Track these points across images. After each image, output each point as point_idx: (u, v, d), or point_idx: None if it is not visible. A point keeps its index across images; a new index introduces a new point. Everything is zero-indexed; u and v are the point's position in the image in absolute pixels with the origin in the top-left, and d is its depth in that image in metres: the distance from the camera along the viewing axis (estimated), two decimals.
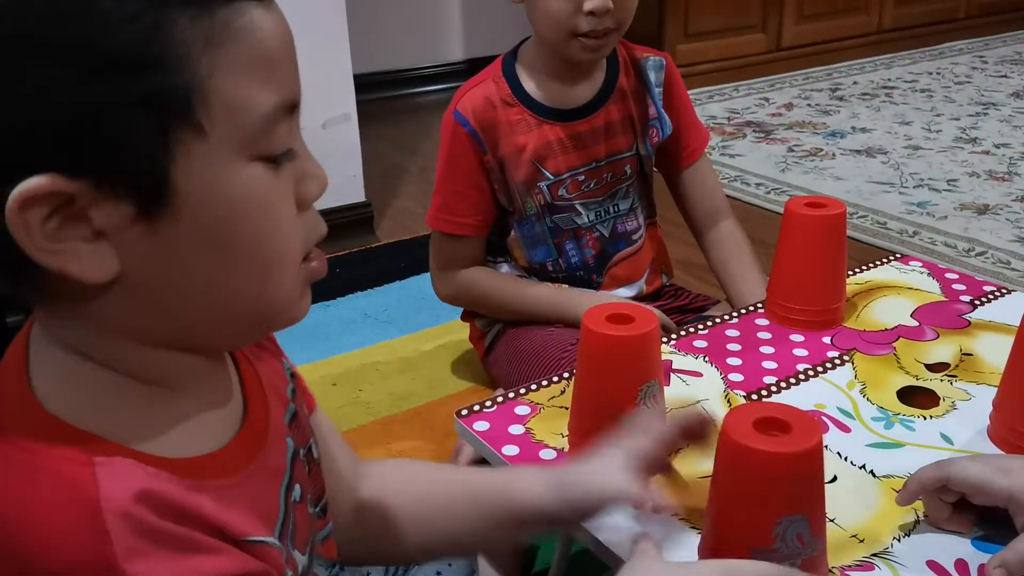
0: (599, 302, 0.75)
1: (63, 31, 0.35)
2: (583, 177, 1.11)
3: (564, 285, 1.16)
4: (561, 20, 1.01)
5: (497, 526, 0.61)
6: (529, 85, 1.10)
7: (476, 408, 0.80)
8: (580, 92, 1.11)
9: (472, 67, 3.61)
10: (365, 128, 1.97)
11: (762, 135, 2.64)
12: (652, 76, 1.15)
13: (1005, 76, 3.22)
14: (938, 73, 3.31)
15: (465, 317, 1.27)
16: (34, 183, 0.35)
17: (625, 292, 1.18)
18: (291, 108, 0.41)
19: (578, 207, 1.12)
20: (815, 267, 0.91)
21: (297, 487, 0.49)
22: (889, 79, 3.25)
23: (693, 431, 0.63)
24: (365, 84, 3.19)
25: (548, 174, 1.09)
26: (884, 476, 0.70)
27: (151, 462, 0.40)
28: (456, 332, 1.41)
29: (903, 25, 3.67)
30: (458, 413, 0.80)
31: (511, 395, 0.84)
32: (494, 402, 0.81)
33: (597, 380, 0.70)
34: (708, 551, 0.61)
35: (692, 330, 0.95)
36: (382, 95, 3.24)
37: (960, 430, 0.76)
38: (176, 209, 0.38)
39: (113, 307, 0.40)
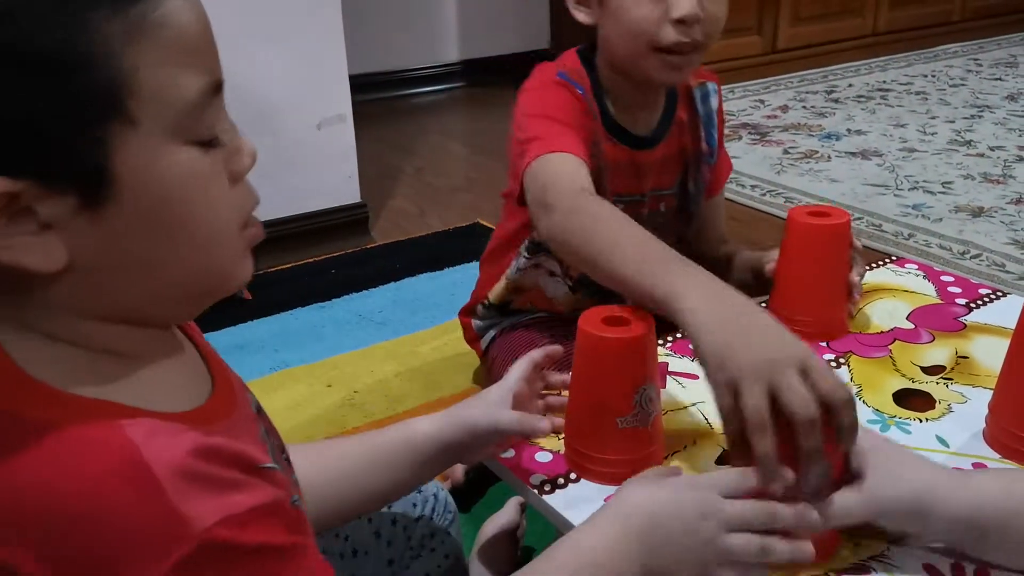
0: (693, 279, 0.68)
1: None
2: (622, 207, 0.91)
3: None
4: (644, 30, 0.91)
5: (409, 469, 0.70)
6: (604, 93, 1.01)
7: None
8: (641, 123, 1.03)
9: (468, 68, 3.62)
10: (361, 129, 1.97)
11: (758, 137, 2.65)
12: (707, 105, 1.08)
13: (1000, 79, 3.23)
14: (933, 76, 3.32)
15: (462, 316, 1.26)
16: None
17: None
18: (216, 89, 0.43)
19: None
20: (819, 277, 0.89)
21: (264, 427, 0.53)
22: (884, 81, 3.26)
23: (543, 364, 0.75)
24: (361, 84, 3.18)
25: (607, 188, 1.01)
26: None
27: (160, 416, 0.42)
28: (452, 333, 1.41)
29: (898, 28, 3.67)
30: None
31: None
32: None
33: (592, 383, 0.70)
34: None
35: None
36: (378, 96, 3.24)
37: (956, 433, 0.76)
38: (117, 197, 0.40)
39: (67, 290, 0.42)
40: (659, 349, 0.91)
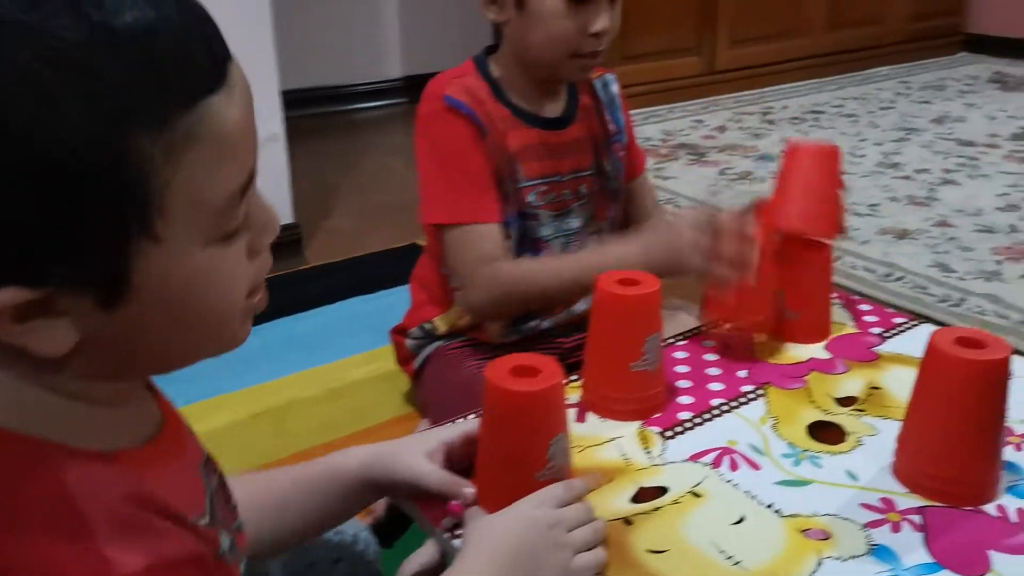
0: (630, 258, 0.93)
1: (26, 150, 0.36)
2: (546, 187, 1.10)
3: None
4: (566, 41, 1.03)
5: (337, 503, 0.71)
6: (507, 90, 1.10)
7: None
8: (550, 108, 1.12)
9: (411, 84, 3.61)
10: (300, 145, 1.95)
11: (695, 157, 2.69)
12: (608, 91, 1.18)
13: (927, 102, 3.34)
14: (864, 98, 3.41)
15: (395, 335, 1.25)
16: (17, 297, 0.37)
17: (582, 306, 1.17)
18: (250, 181, 0.43)
19: (542, 216, 1.11)
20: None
21: (215, 476, 0.53)
22: (817, 103, 3.34)
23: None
24: (301, 100, 3.16)
25: (522, 176, 1.08)
26: (789, 515, 0.71)
27: (98, 456, 0.42)
28: (387, 357, 1.39)
29: (832, 51, 3.77)
30: None
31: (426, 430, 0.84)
32: None
33: (505, 438, 0.68)
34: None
35: None
36: (319, 111, 3.21)
37: (865, 466, 0.77)
38: (134, 299, 0.40)
39: (66, 359, 0.41)
40: (580, 382, 0.92)
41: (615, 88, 1.18)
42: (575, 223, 1.13)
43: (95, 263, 0.39)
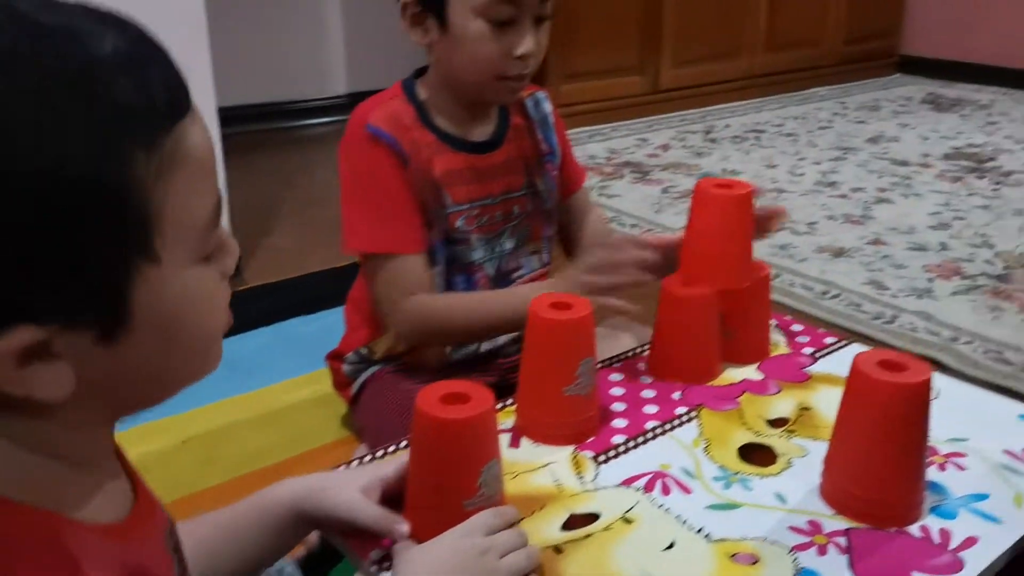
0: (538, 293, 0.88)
1: (29, 175, 0.36)
2: (477, 211, 1.10)
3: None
4: (490, 64, 1.01)
5: (269, 539, 0.70)
6: (434, 115, 1.08)
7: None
8: (477, 132, 1.11)
9: (355, 101, 3.57)
10: (241, 162, 1.92)
11: (639, 175, 2.72)
12: (540, 110, 1.17)
13: (863, 122, 3.43)
14: (803, 118, 3.49)
15: (331, 360, 1.24)
16: (26, 337, 0.37)
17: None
18: (219, 202, 0.45)
19: (473, 240, 1.10)
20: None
21: (176, 541, 0.54)
22: (759, 123, 3.40)
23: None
24: (243, 116, 3.12)
25: (449, 202, 1.07)
26: (719, 540, 0.71)
27: (94, 529, 0.43)
28: (325, 379, 1.37)
29: (772, 71, 3.85)
30: None
31: (367, 458, 0.83)
32: (348, 466, 0.79)
33: (433, 466, 0.68)
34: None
35: None
36: (264, 127, 3.18)
37: (794, 488, 0.78)
38: (132, 327, 0.41)
39: (57, 408, 0.41)
40: (516, 406, 0.91)
41: (547, 107, 1.18)
42: (508, 244, 1.13)
43: (99, 290, 0.39)
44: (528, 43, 1.01)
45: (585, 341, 0.83)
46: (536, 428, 0.85)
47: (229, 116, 1.82)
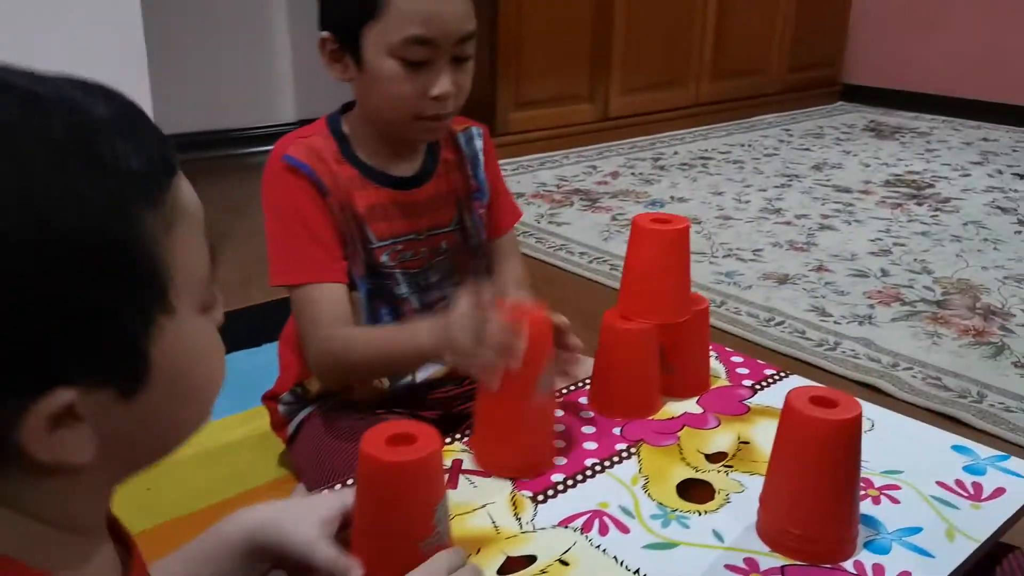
0: (434, 330, 0.87)
1: (61, 251, 0.37)
2: (401, 247, 1.08)
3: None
4: (405, 104, 1.00)
5: (226, 574, 0.68)
6: (358, 150, 1.07)
7: None
8: (405, 167, 1.09)
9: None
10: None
11: (588, 203, 2.73)
12: (472, 146, 1.16)
13: (808, 149, 3.50)
14: (750, 145, 3.56)
15: (267, 401, 1.21)
16: (64, 399, 0.38)
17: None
18: (212, 253, 0.47)
19: (398, 276, 1.09)
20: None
21: None
22: (706, 150, 3.46)
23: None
24: (188, 143, 3.08)
25: (373, 237, 1.06)
26: None
27: None
28: (264, 417, 1.34)
29: (719, 99, 3.92)
30: None
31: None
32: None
33: (387, 509, 0.66)
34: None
35: None
36: (207, 155, 3.13)
37: (731, 525, 0.78)
38: (150, 379, 0.42)
39: (73, 470, 0.41)
40: (455, 444, 0.90)
41: (479, 143, 1.16)
42: (433, 278, 1.12)
43: (125, 346, 0.40)
44: (444, 84, 0.98)
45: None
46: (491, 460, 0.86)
47: (176, 144, 1.79)
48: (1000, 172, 3.16)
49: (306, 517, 0.68)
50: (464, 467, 0.86)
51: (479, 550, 0.74)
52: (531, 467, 0.85)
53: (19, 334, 0.37)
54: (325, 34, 1.02)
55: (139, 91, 1.70)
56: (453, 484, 0.83)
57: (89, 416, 0.40)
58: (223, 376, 0.49)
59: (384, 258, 1.07)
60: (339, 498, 0.71)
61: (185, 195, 0.44)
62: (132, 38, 1.70)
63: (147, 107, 1.73)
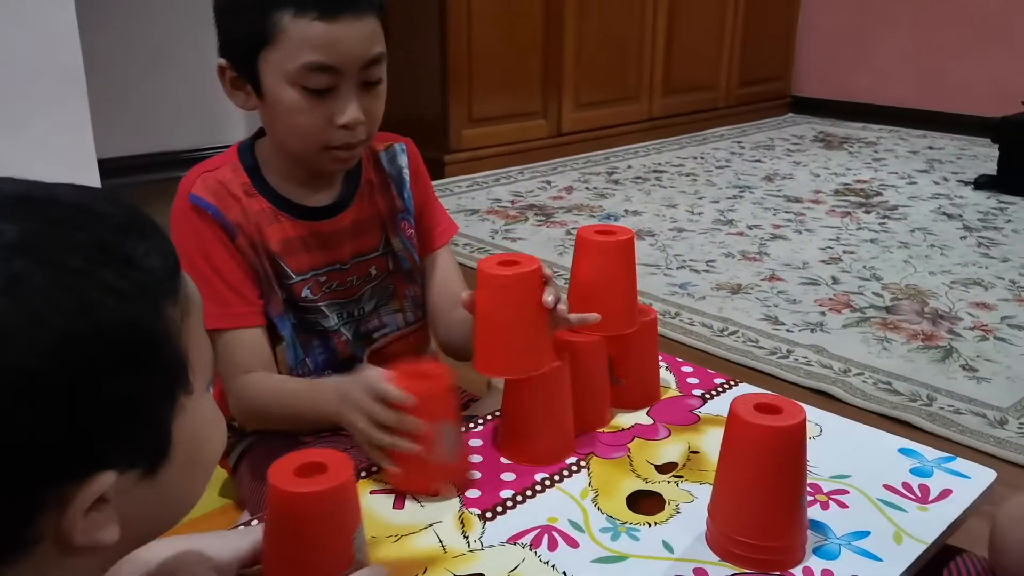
0: (337, 381, 0.87)
1: (108, 346, 0.41)
2: (325, 278, 1.03)
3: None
4: (310, 134, 0.94)
5: None
6: (271, 178, 1.01)
7: None
8: (323, 196, 1.04)
9: None
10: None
11: (543, 218, 2.74)
12: (395, 164, 1.10)
13: (759, 160, 3.55)
14: (702, 158, 3.60)
15: None
16: (107, 482, 0.41)
17: None
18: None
19: (323, 309, 1.04)
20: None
21: None
22: (659, 163, 3.49)
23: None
24: (131, 167, 3.03)
25: (290, 272, 1.01)
26: None
27: None
28: None
29: (671, 113, 3.97)
30: None
31: (247, 524, 0.78)
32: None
33: (304, 541, 0.63)
34: None
35: None
36: (153, 177, 3.09)
37: (681, 536, 0.77)
38: (171, 456, 0.45)
39: (100, 555, 0.44)
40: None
41: (403, 160, 1.10)
42: (368, 306, 1.08)
43: (157, 428, 0.44)
44: (351, 112, 0.93)
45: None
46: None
47: (114, 167, 1.76)
48: (945, 179, 3.23)
49: (222, 551, 0.65)
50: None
51: (425, 570, 0.72)
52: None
53: (68, 423, 0.40)
54: (223, 61, 0.97)
55: (77, 113, 1.67)
56: (399, 504, 0.81)
57: (114, 497, 0.42)
58: (224, 444, 0.52)
59: (306, 292, 1.02)
60: (246, 536, 0.68)
61: (190, 286, 0.48)
62: (70, 62, 1.67)
63: (86, 130, 1.70)
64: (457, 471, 0.84)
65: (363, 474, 0.86)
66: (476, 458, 0.90)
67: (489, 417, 0.97)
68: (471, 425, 0.95)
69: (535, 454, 0.88)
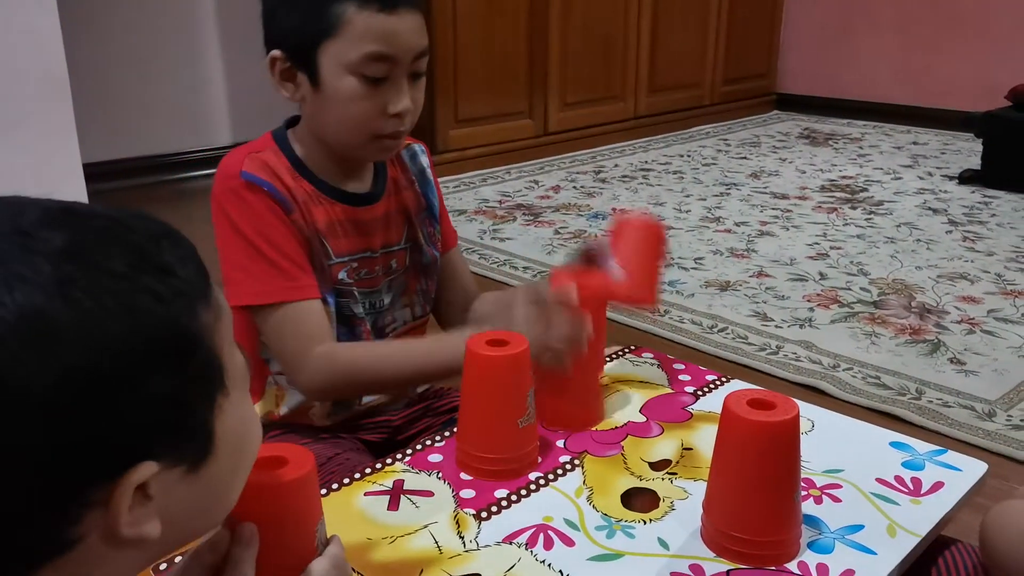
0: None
1: (152, 344, 0.44)
2: (356, 264, 1.06)
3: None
4: (365, 123, 0.98)
5: None
6: (310, 165, 1.04)
7: (178, 559, 0.72)
8: (357, 184, 1.07)
9: None
10: None
11: (531, 218, 2.74)
12: (417, 163, 1.15)
13: (745, 158, 3.56)
14: (688, 156, 3.60)
15: None
16: (147, 472, 0.43)
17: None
18: None
19: (356, 294, 1.06)
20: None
21: None
22: (646, 162, 3.49)
23: None
24: (118, 171, 3.01)
25: (332, 253, 1.03)
26: None
27: None
28: None
29: (656, 111, 3.98)
30: (156, 569, 0.72)
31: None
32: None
33: (259, 537, 0.60)
34: None
35: (429, 443, 0.92)
36: (140, 181, 3.07)
37: (676, 533, 0.77)
38: (213, 455, 0.47)
39: (142, 550, 0.46)
40: (396, 464, 0.88)
41: (424, 160, 1.15)
42: (386, 299, 1.10)
43: (197, 425, 0.46)
44: (404, 101, 0.98)
45: (528, 372, 0.85)
46: (485, 464, 0.85)
47: (99, 172, 1.75)
48: (930, 174, 3.25)
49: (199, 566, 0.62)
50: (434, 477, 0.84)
51: (421, 572, 0.72)
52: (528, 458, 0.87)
53: (115, 421, 0.42)
54: (276, 53, 0.99)
55: (62, 118, 1.65)
56: (394, 506, 0.81)
57: (158, 495, 0.44)
58: (260, 441, 0.54)
59: (342, 275, 1.04)
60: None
61: (219, 295, 0.50)
62: (54, 67, 1.66)
63: (71, 135, 1.69)
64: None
65: (357, 476, 0.86)
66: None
67: None
68: (454, 429, 0.94)
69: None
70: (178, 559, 0.68)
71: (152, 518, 0.45)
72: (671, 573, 0.72)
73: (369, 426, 1.12)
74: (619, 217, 1.01)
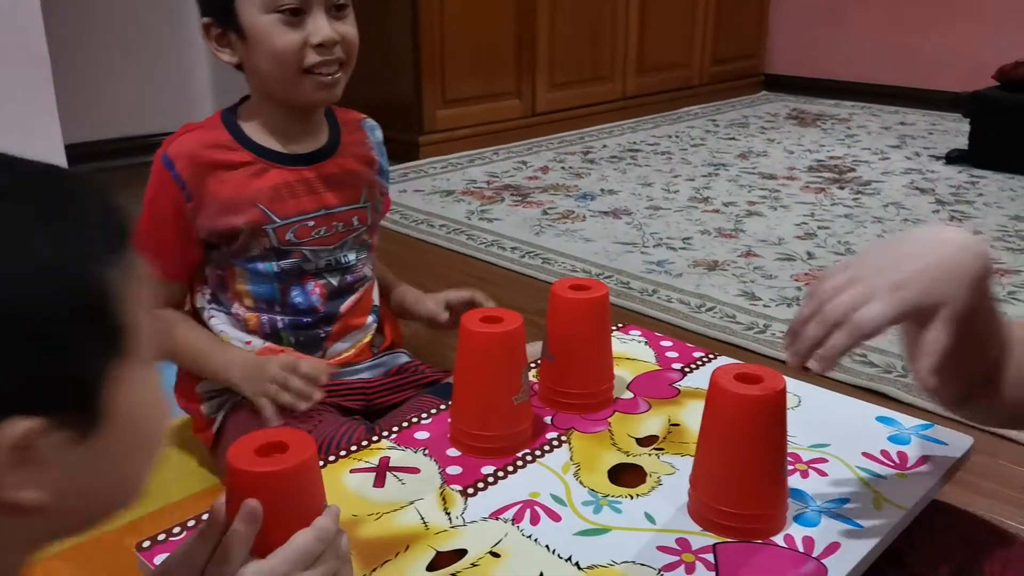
0: (244, 358, 1.06)
1: (38, 286, 0.41)
2: (312, 223, 1.11)
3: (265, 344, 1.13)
4: (289, 56, 1.03)
5: None
6: (254, 135, 1.10)
7: (161, 538, 0.72)
8: (309, 143, 1.12)
9: None
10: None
11: (519, 198, 2.72)
12: (375, 134, 1.21)
13: (733, 139, 3.55)
14: (677, 136, 3.60)
15: (186, 403, 1.18)
16: (21, 428, 0.40)
17: (359, 335, 1.18)
18: None
19: (307, 253, 1.12)
20: (585, 351, 0.92)
21: None
22: (634, 142, 3.48)
23: None
24: (110, 151, 2.98)
25: (275, 217, 1.09)
26: (588, 567, 0.69)
27: None
28: (186, 428, 1.29)
29: (645, 92, 3.96)
30: (139, 546, 0.71)
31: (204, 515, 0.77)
32: (184, 527, 0.73)
33: (271, 525, 0.59)
34: None
35: (415, 420, 0.92)
36: (126, 162, 3.03)
37: (663, 508, 0.77)
38: (105, 425, 0.44)
39: (25, 521, 0.43)
40: (383, 441, 0.88)
41: (379, 134, 1.22)
42: (352, 256, 1.16)
43: (82, 383, 0.43)
44: (324, 30, 1.02)
45: (522, 350, 0.85)
46: (478, 442, 0.85)
47: (81, 152, 1.73)
48: (917, 155, 3.25)
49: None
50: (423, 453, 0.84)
51: (407, 547, 0.72)
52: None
53: None
54: (206, 19, 1.06)
55: (43, 98, 1.63)
56: (380, 483, 0.81)
57: (46, 460, 0.42)
58: (166, 434, 0.51)
59: (289, 236, 1.10)
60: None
61: (140, 262, 0.47)
62: (35, 47, 1.63)
63: (52, 115, 1.67)
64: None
65: (343, 454, 0.86)
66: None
67: None
68: (442, 407, 0.94)
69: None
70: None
71: (33, 484, 0.42)
72: (658, 547, 0.72)
73: (342, 390, 1.13)
74: (555, 293, 0.92)
